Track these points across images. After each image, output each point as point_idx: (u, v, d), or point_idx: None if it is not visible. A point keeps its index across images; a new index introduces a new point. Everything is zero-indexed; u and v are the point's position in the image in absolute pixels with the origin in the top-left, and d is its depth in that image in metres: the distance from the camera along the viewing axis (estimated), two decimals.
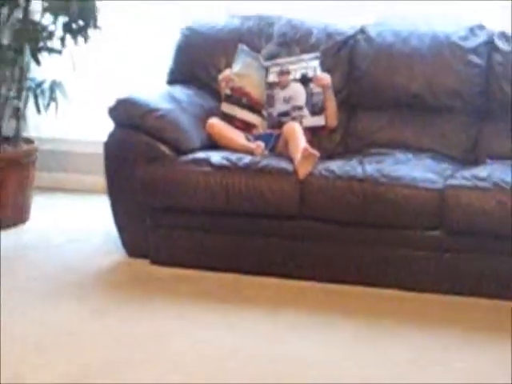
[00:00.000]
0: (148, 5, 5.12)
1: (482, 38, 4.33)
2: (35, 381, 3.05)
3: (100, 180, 4.45)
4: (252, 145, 4.12)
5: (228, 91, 4.33)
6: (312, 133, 4.22)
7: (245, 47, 4.40)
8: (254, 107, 4.35)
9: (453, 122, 4.30)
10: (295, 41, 4.46)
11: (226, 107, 4.34)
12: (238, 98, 4.34)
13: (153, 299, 3.79)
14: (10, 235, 4.60)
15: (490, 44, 4.31)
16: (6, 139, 4.75)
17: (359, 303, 3.75)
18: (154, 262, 4.11)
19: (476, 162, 4.10)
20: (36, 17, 4.72)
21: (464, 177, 3.78)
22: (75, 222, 4.84)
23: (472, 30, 4.35)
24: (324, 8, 4.83)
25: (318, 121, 4.28)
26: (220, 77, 4.37)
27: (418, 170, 3.86)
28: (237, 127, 4.27)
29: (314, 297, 3.83)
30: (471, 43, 4.31)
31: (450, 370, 3.11)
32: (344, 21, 4.63)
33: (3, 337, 3.37)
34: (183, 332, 3.48)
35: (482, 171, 3.82)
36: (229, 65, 4.42)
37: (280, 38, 4.48)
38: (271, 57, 4.35)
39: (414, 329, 3.50)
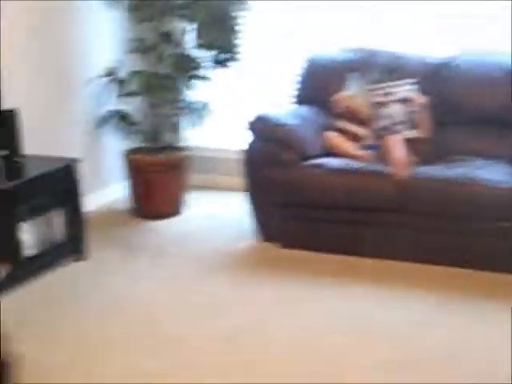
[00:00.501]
0: (279, 40, 5.45)
1: None
2: (198, 336, 3.48)
3: (239, 180, 4.67)
4: (360, 153, 4.45)
5: (342, 110, 4.68)
6: (409, 143, 4.43)
7: (355, 74, 4.74)
8: (362, 123, 4.63)
9: None
10: (396, 69, 4.71)
11: (340, 123, 4.67)
12: (350, 115, 4.65)
13: (282, 275, 4.12)
14: (170, 224, 4.98)
15: None
16: (167, 148, 5.14)
17: (443, 279, 4.03)
18: (284, 246, 4.45)
19: None
20: (189, 51, 5.03)
21: None
22: (221, 214, 5.14)
23: None
24: (420, 41, 5.02)
25: (415, 134, 4.55)
26: (335, 98, 4.73)
27: (493, 173, 4.13)
28: (348, 139, 4.59)
29: (411, 274, 4.08)
30: None
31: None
32: (436, 52, 4.84)
33: (170, 303, 3.83)
34: (306, 300, 3.84)
35: None
36: (342, 89, 4.76)
37: (384, 67, 4.73)
38: (376, 82, 4.66)
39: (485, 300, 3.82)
